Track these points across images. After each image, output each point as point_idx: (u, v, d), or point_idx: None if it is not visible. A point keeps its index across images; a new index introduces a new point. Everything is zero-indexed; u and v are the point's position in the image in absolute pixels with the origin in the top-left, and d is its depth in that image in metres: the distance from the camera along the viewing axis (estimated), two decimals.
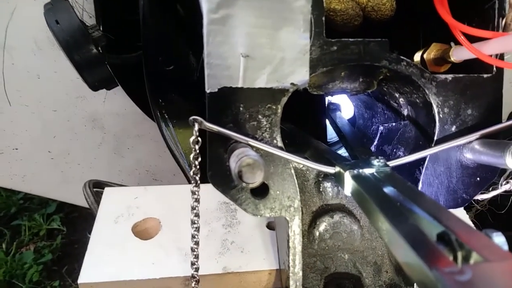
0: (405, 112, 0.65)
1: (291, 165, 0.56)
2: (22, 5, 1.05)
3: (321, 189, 0.64)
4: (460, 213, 0.78)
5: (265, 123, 0.55)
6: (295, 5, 0.53)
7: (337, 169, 0.54)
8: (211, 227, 0.73)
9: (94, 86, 0.73)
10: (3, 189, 2.18)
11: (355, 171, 0.51)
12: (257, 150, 0.55)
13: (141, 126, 1.31)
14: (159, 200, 0.77)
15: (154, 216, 0.75)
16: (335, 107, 0.87)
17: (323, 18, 0.54)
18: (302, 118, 0.91)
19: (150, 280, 0.65)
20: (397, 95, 0.64)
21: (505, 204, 1.00)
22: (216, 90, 0.54)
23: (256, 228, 0.73)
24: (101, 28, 0.88)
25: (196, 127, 0.52)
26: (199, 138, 0.53)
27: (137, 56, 0.87)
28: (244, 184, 0.44)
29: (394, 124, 0.69)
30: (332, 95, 0.77)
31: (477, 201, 0.99)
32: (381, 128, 0.72)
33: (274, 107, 0.55)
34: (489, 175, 0.59)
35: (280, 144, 0.56)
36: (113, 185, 1.26)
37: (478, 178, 0.59)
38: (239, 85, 0.54)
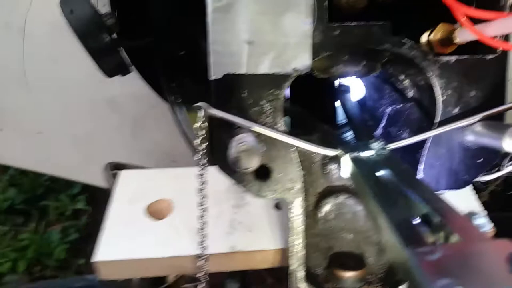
0: (411, 94, 0.65)
1: (294, 148, 0.58)
2: None
3: (326, 171, 0.66)
4: (466, 193, 0.79)
5: (268, 108, 0.57)
6: None
7: (338, 151, 0.55)
8: (221, 208, 0.76)
9: (109, 72, 0.75)
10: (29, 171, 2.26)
11: (354, 154, 0.53)
12: (259, 134, 0.57)
13: (159, 109, 1.33)
14: (172, 182, 0.80)
15: (166, 197, 0.78)
16: (345, 89, 0.87)
17: (326, 3, 0.55)
18: (312, 100, 0.92)
19: (162, 258, 0.69)
20: (402, 77, 0.64)
21: None
22: (221, 76, 0.55)
23: (264, 208, 0.75)
24: (115, 15, 0.90)
25: (202, 113, 0.54)
26: (206, 123, 0.55)
27: (152, 41, 0.88)
28: (240, 169, 0.46)
29: (400, 105, 0.69)
30: (336, 79, 0.77)
31: (490, 182, 0.99)
32: (388, 109, 0.72)
33: (277, 92, 0.56)
34: (492, 156, 0.60)
35: (282, 128, 0.57)
36: (132, 167, 1.30)
37: (480, 160, 0.60)
38: (243, 72, 0.55)
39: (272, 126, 0.57)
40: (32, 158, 1.36)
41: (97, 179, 1.44)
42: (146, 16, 0.86)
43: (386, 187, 0.43)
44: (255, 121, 0.56)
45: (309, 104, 0.91)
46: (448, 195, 0.80)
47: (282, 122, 0.57)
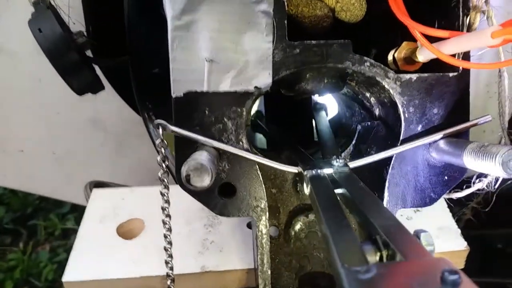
0: (377, 112, 0.65)
1: (257, 166, 0.57)
2: (20, 9, 1.08)
3: (298, 189, 0.65)
4: (442, 209, 0.79)
5: (230, 125, 0.56)
6: (258, 9, 0.54)
7: (298, 169, 0.55)
8: (192, 227, 0.75)
9: (79, 90, 0.75)
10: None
11: (313, 172, 0.52)
12: (223, 152, 0.57)
13: (142, 126, 1.33)
14: (144, 201, 0.80)
15: (138, 216, 0.77)
16: (320, 107, 0.88)
17: (285, 22, 0.55)
18: (290, 119, 0.92)
19: (131, 279, 0.68)
20: (368, 94, 0.64)
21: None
22: (182, 94, 0.55)
23: (236, 227, 0.75)
24: (91, 34, 0.91)
25: (161, 131, 0.54)
26: (166, 141, 0.55)
27: (127, 59, 0.89)
28: (192, 188, 0.46)
29: (369, 123, 0.69)
30: (305, 96, 0.77)
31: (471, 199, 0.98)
32: (359, 127, 0.72)
33: (239, 110, 0.56)
34: (457, 174, 0.59)
35: (246, 145, 0.57)
36: (114, 185, 1.29)
37: (446, 177, 0.59)
38: (204, 89, 0.55)
39: (235, 144, 0.57)
40: (14, 176, 1.35)
41: (80, 198, 1.43)
42: (123, 34, 0.86)
43: (338, 206, 0.42)
44: (218, 138, 0.56)
45: (287, 123, 0.91)
46: (425, 211, 0.81)
47: (245, 140, 0.57)
